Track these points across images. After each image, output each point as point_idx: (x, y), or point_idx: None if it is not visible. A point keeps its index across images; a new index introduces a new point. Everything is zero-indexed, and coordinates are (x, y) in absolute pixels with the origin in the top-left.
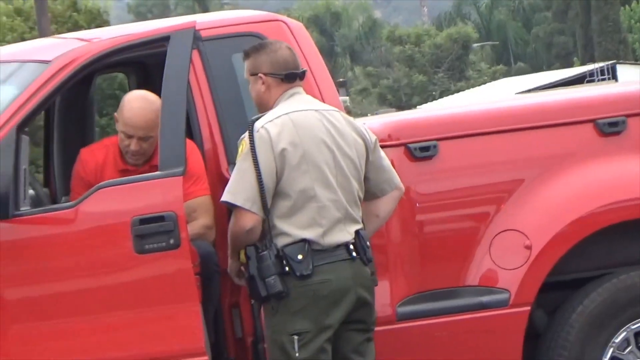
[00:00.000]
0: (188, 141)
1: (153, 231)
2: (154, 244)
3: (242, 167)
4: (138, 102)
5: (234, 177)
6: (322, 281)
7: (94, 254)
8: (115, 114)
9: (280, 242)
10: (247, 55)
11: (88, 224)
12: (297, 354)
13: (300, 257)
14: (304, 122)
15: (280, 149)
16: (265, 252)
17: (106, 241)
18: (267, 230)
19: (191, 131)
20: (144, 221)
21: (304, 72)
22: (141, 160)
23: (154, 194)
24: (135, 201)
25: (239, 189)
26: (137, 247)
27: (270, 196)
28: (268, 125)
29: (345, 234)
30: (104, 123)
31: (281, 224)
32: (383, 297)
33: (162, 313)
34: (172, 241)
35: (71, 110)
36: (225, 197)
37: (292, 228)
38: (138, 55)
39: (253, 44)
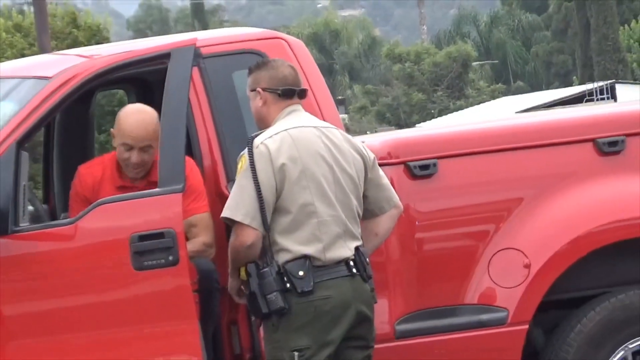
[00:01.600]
0: (187, 158)
1: (152, 248)
2: (152, 260)
3: (241, 183)
4: (135, 114)
5: (233, 193)
6: (323, 297)
7: (93, 270)
8: (112, 129)
9: (282, 258)
10: (250, 71)
11: (87, 240)
12: None
13: (301, 273)
14: (302, 138)
15: (280, 164)
16: (266, 269)
17: (105, 258)
18: (268, 246)
19: (191, 148)
20: (143, 238)
21: (303, 91)
22: (142, 174)
23: (153, 210)
24: (135, 218)
25: (239, 204)
26: (135, 263)
27: (270, 211)
28: (267, 141)
29: (346, 250)
30: (103, 139)
31: (282, 240)
32: (382, 315)
33: (161, 330)
34: (171, 258)
35: (71, 127)
36: (225, 212)
37: (293, 244)
38: (138, 72)
39: (253, 61)
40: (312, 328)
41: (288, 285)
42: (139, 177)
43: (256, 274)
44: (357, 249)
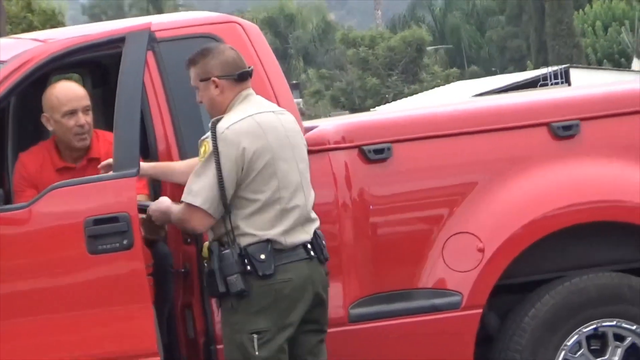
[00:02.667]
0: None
1: (106, 232)
2: (107, 244)
3: (204, 169)
4: (61, 84)
5: (194, 178)
6: (283, 280)
7: (48, 254)
8: (45, 114)
9: (244, 241)
10: (193, 62)
11: (41, 225)
12: (256, 353)
13: (263, 256)
14: (268, 124)
15: (245, 151)
16: (227, 251)
17: (59, 242)
18: (230, 230)
19: (145, 132)
20: (97, 222)
21: (252, 70)
22: (89, 140)
23: (107, 194)
24: (89, 202)
25: (200, 190)
26: (90, 247)
27: (229, 198)
28: (233, 127)
29: (305, 234)
30: None
31: (244, 225)
32: (336, 299)
33: (115, 313)
34: (125, 242)
35: (26, 111)
36: (186, 197)
37: (256, 229)
38: (93, 56)
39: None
40: (272, 311)
41: (249, 267)
42: (80, 157)
43: (217, 254)
44: (315, 232)
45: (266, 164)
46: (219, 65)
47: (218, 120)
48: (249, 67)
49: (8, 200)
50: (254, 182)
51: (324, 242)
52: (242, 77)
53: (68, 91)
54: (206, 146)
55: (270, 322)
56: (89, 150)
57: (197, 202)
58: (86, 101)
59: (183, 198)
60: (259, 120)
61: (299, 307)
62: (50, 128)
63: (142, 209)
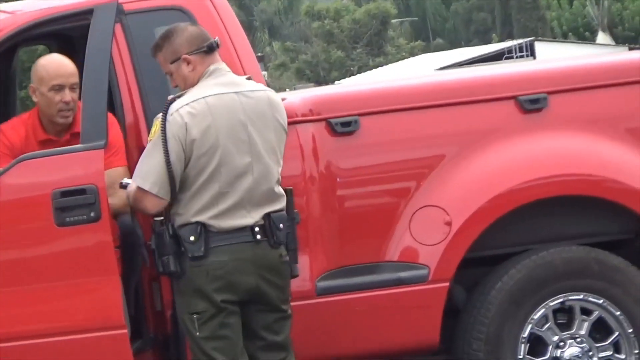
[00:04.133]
0: (108, 114)
1: (74, 204)
2: (74, 216)
3: (152, 151)
4: (54, 57)
5: (143, 160)
6: (216, 262)
7: (15, 226)
8: (32, 85)
9: (177, 221)
10: (158, 47)
11: (9, 196)
12: (197, 333)
13: (192, 238)
14: (220, 106)
15: (190, 135)
16: (162, 228)
17: (27, 213)
18: (167, 208)
19: (113, 104)
20: (65, 194)
21: (218, 41)
22: (70, 119)
23: (75, 166)
24: (57, 174)
25: (149, 172)
26: (57, 219)
27: (178, 181)
28: (182, 110)
29: (247, 219)
30: (23, 95)
31: (180, 206)
32: (303, 272)
33: (82, 286)
34: (92, 214)
35: None
36: (135, 179)
37: (188, 211)
38: (61, 28)
39: (177, 18)
40: (207, 292)
41: (182, 249)
42: (63, 130)
43: (155, 232)
44: (268, 215)
45: (210, 148)
46: (185, 41)
47: (173, 100)
48: (216, 39)
49: None
50: (194, 165)
51: (280, 225)
52: (210, 48)
53: (59, 66)
54: (157, 126)
55: (207, 303)
56: (73, 124)
57: (146, 185)
58: (75, 78)
59: (133, 179)
60: (210, 102)
61: (237, 289)
62: (35, 99)
63: (124, 187)
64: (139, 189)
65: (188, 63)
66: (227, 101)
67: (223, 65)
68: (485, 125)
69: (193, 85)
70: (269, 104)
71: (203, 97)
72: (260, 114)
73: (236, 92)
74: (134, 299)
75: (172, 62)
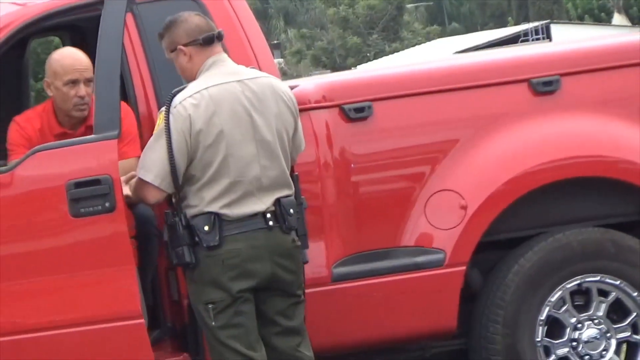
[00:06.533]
0: (122, 104)
1: (88, 195)
2: (89, 207)
3: (155, 143)
4: (69, 51)
5: (147, 152)
6: (231, 250)
7: (30, 217)
8: (46, 79)
9: (189, 212)
10: (161, 36)
11: (24, 188)
12: (213, 323)
13: (206, 228)
14: (222, 96)
15: (195, 128)
16: (175, 219)
17: (42, 205)
18: (178, 200)
19: (126, 94)
20: (79, 185)
21: (221, 33)
22: (86, 112)
23: (89, 157)
24: (71, 165)
25: (152, 165)
26: (72, 210)
27: (181, 174)
28: (186, 102)
29: (260, 205)
30: (40, 87)
31: (191, 197)
32: (318, 259)
33: (99, 276)
34: (107, 204)
35: (5, 75)
36: (138, 171)
37: (201, 201)
38: (73, 19)
39: (187, 6)
40: (222, 281)
41: (197, 239)
42: (79, 123)
43: (167, 224)
44: (278, 200)
45: (215, 139)
46: (183, 33)
47: (178, 92)
48: (217, 31)
49: None
50: (201, 158)
51: (291, 210)
52: (207, 41)
53: (73, 60)
54: (161, 119)
55: (223, 292)
56: (88, 117)
57: (148, 177)
58: (89, 72)
59: (136, 172)
60: (212, 92)
61: (253, 276)
62: (50, 94)
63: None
64: (141, 180)
65: (185, 54)
66: (230, 90)
67: (223, 56)
68: (498, 109)
69: (192, 76)
70: (272, 90)
71: (205, 88)
72: (264, 101)
73: (238, 81)
74: (151, 288)
75: (172, 52)
